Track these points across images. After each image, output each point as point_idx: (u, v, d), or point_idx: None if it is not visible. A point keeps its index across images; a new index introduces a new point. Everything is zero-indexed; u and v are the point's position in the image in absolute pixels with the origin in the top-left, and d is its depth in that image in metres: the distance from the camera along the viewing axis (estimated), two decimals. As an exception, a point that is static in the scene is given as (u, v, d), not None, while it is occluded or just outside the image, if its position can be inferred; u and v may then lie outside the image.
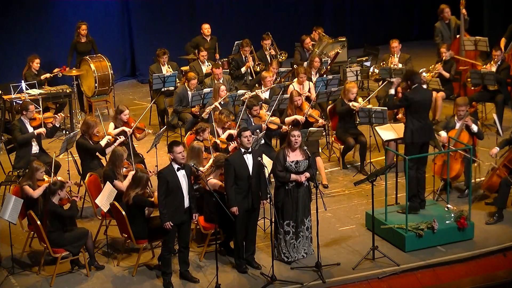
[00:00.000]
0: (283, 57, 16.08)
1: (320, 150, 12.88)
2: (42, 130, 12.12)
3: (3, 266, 10.23)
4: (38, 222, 9.70)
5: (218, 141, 11.58)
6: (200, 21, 17.02)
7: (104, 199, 10.17)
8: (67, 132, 14.26)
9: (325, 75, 14.40)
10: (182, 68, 15.77)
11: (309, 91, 13.66)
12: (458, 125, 11.68)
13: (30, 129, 12.11)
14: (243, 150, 9.81)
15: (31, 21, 17.03)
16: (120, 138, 11.76)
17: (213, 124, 11.92)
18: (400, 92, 11.63)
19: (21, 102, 13.21)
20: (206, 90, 13.68)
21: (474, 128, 11.65)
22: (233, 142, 11.66)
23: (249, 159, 9.78)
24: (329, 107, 13.44)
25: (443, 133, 11.62)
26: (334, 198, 12.02)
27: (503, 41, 15.49)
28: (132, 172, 10.58)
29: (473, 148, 11.60)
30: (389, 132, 11.90)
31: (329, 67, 15.16)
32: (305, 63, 15.14)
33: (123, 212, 9.88)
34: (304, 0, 20.11)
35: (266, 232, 10.81)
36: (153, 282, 9.87)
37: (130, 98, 17.11)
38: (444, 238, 10.50)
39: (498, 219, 11.09)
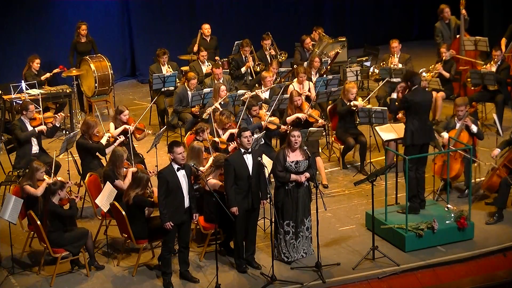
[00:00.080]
0: (283, 57, 16.06)
1: (320, 150, 12.88)
2: (43, 127, 12.13)
3: (3, 266, 10.23)
4: (38, 222, 9.69)
5: (218, 141, 11.57)
6: (200, 21, 17.01)
7: (104, 199, 10.17)
8: (67, 132, 14.26)
9: (325, 75, 14.39)
10: (182, 68, 15.78)
11: (309, 91, 13.66)
12: (458, 125, 11.69)
13: (30, 129, 12.08)
14: (243, 150, 9.80)
15: (31, 21, 17.02)
16: (120, 138, 11.77)
17: (214, 124, 11.92)
18: (400, 92, 11.61)
19: (21, 102, 13.20)
20: (206, 90, 13.68)
21: (474, 128, 11.64)
22: (233, 142, 11.65)
23: (249, 159, 9.78)
24: (329, 107, 13.45)
25: (445, 134, 11.60)
26: (334, 198, 12.01)
27: (503, 41, 15.48)
28: (132, 170, 10.59)
29: (473, 148, 11.59)
30: (389, 132, 11.90)
31: (329, 67, 15.15)
32: (305, 63, 15.12)
33: (123, 212, 9.88)
34: (304, 0, 20.10)
35: (266, 232, 10.80)
36: (153, 282, 9.86)
37: (130, 98, 17.10)
38: (444, 238, 10.49)
39: (498, 219, 11.08)
